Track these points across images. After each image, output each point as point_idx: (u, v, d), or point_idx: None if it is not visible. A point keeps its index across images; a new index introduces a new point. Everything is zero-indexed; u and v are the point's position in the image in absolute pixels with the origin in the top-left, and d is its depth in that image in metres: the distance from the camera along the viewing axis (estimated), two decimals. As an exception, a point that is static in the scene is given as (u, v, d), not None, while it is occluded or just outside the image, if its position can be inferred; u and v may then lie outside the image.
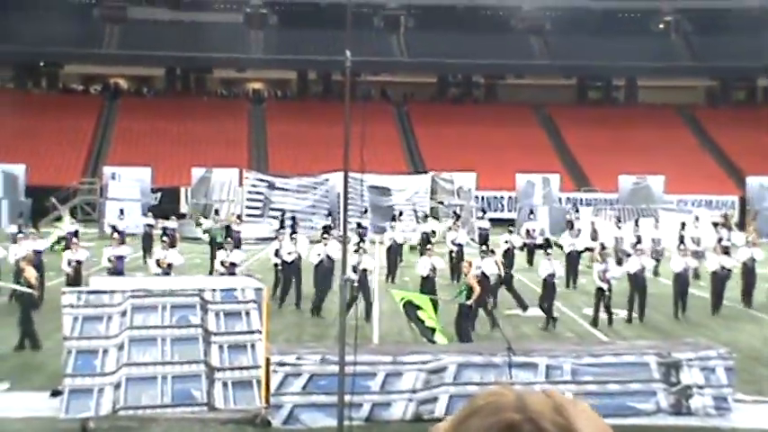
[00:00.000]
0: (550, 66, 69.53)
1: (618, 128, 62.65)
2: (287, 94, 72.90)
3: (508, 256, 29.44)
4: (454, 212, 41.67)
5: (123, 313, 12.39)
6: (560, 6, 73.06)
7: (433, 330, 15.96)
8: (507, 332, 16.28)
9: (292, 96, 71.88)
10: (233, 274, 21.42)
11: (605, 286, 20.61)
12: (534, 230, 34.67)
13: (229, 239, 24.82)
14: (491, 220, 38.51)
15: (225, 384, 12.61)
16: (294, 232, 27.13)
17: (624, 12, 73.08)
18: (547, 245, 27.15)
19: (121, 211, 37.13)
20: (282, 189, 44.22)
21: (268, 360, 12.85)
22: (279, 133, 61.75)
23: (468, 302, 17.63)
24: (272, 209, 42.35)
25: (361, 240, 28.02)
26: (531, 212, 38.59)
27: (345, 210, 10.40)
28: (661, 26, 73.73)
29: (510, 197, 52.07)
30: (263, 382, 12.74)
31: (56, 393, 13.24)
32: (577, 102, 71.68)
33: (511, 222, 39.69)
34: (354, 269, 19.71)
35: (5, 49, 60.18)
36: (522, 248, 32.23)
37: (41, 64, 69.52)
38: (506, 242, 29.86)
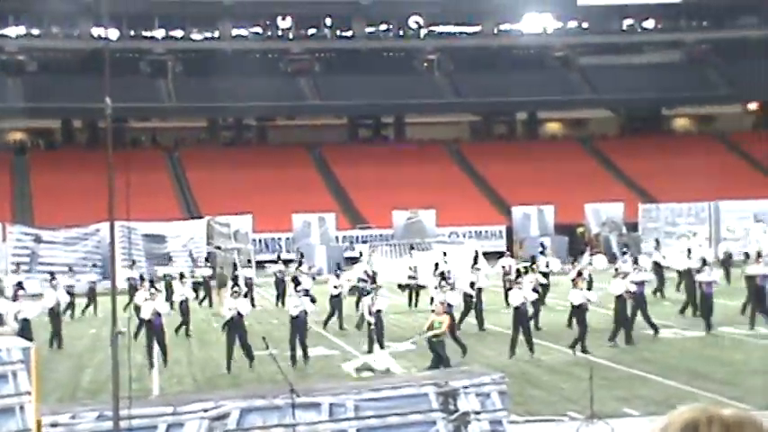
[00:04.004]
0: (320, 106, 70.53)
1: (389, 164, 64.15)
2: (52, 143, 70.20)
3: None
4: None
5: None
6: (328, 48, 74.40)
7: None
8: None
9: (57, 146, 69.28)
10: None
11: (372, 320, 21.75)
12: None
13: None
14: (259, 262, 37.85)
15: (-7, 452, 11.88)
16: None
17: (389, 51, 75.23)
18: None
19: None
20: (50, 242, 42.51)
21: (39, 422, 12.22)
22: (44, 184, 59.35)
23: None
24: (41, 263, 40.61)
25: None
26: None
27: (113, 260, 10.09)
28: (425, 65, 76.37)
29: (287, 238, 52.22)
30: (34, 447, 12.08)
31: None
32: (348, 141, 72.93)
33: (289, 263, 39.51)
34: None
35: None
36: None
37: None
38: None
